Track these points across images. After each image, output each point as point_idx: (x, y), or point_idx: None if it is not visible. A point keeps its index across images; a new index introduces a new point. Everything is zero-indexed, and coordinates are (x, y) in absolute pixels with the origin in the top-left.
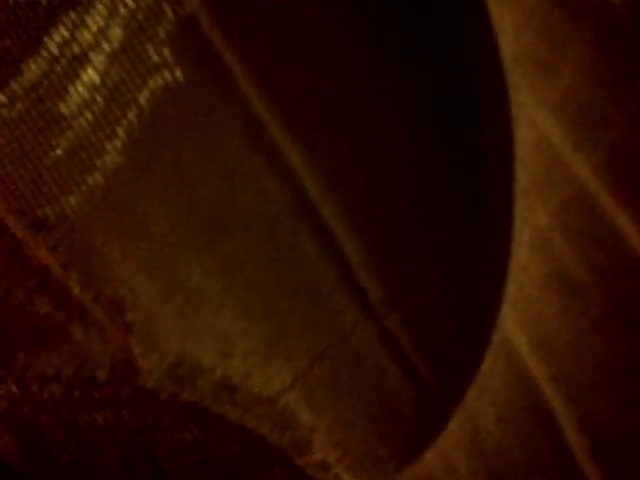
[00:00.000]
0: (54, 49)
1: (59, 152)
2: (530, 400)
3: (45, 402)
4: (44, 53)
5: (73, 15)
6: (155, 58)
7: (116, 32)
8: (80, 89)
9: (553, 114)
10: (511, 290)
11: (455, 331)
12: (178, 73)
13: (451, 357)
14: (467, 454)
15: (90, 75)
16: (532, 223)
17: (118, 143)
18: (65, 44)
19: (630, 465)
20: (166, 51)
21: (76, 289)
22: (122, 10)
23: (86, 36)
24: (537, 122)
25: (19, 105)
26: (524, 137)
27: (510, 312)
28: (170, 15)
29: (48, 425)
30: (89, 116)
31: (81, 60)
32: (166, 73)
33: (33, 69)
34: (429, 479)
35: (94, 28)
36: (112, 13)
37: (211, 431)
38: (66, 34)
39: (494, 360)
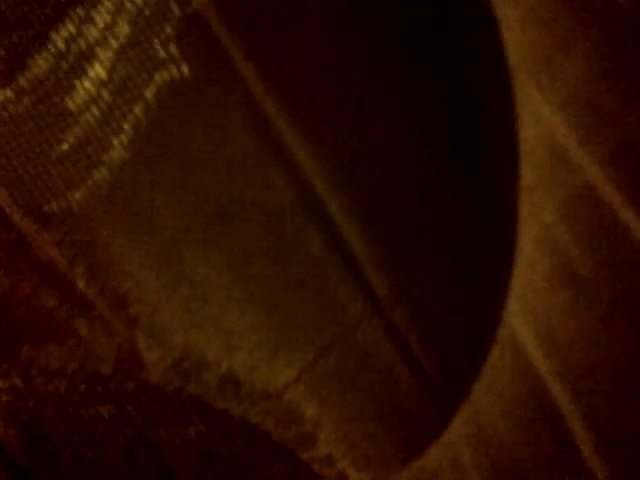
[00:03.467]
0: (61, 44)
1: (65, 147)
2: (536, 395)
3: (49, 396)
4: (51, 48)
5: (80, 10)
6: (162, 54)
7: (123, 28)
8: (87, 84)
9: (559, 110)
10: (517, 285)
11: (461, 326)
12: (185, 69)
13: (457, 352)
14: (473, 449)
15: (97, 70)
16: (538, 219)
17: (124, 138)
18: (72, 39)
19: (636, 461)
20: (173, 47)
21: (81, 283)
22: (129, 6)
23: (93, 32)
24: (542, 118)
25: (26, 100)
26: (529, 133)
27: (516, 307)
28: (177, 11)
29: (52, 419)
30: (95, 111)
31: (88, 55)
32: (173, 69)
33: (40, 64)
34: (435, 473)
35: (101, 24)
36: (119, 9)
37: (215, 426)
38: (73, 29)
39: (500, 355)
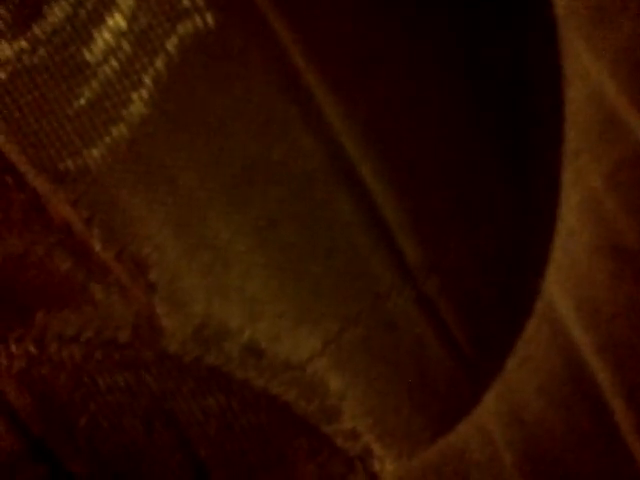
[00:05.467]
0: None
1: (82, 101)
2: (574, 371)
3: (64, 363)
4: None
5: None
6: (185, 2)
7: None
8: (105, 35)
9: (609, 67)
10: (557, 255)
11: (496, 297)
12: (209, 18)
13: (491, 324)
14: (505, 426)
15: (116, 20)
16: (583, 184)
17: (144, 92)
18: None
19: None
20: None
21: (98, 246)
22: None
23: None
24: (592, 76)
25: (41, 51)
26: (577, 92)
27: (556, 278)
28: None
29: (67, 387)
30: (114, 63)
31: (107, 4)
32: (197, 18)
33: (56, 13)
34: (464, 451)
35: None
36: None
37: (235, 397)
38: None
39: (537, 328)
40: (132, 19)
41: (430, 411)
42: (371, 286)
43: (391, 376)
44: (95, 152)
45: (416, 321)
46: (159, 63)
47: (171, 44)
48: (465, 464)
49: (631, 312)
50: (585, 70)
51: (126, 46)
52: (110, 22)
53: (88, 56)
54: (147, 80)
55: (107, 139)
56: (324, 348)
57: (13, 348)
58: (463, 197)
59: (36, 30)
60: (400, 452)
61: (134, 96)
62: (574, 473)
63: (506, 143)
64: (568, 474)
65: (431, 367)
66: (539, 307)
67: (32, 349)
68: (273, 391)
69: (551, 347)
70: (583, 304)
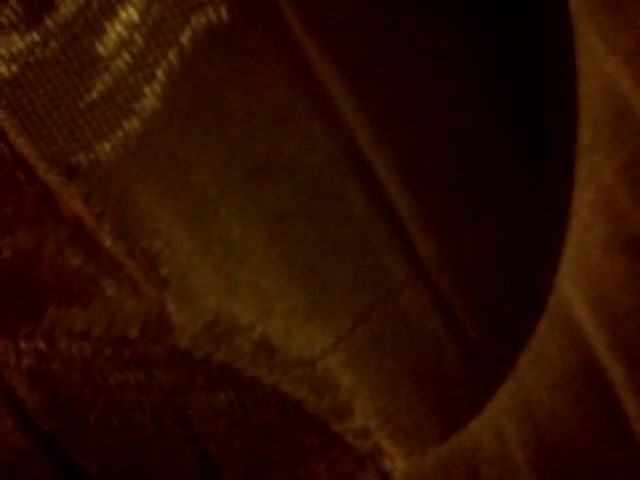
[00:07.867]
0: None
1: (94, 95)
2: (587, 368)
3: (74, 360)
4: None
5: None
6: None
7: None
8: (118, 27)
9: (623, 62)
10: (571, 251)
11: (509, 293)
12: (223, 12)
13: (504, 320)
14: (518, 424)
15: (129, 12)
16: (596, 179)
17: (157, 86)
18: None
19: None
20: None
21: (109, 241)
22: None
23: None
24: (605, 71)
25: (53, 44)
26: (591, 87)
27: (569, 274)
28: None
29: (77, 383)
30: (127, 57)
31: None
32: (210, 11)
33: (68, 5)
34: (476, 449)
35: None
36: None
37: (246, 394)
38: None
39: (550, 325)
40: (145, 12)
41: (442, 408)
42: (383, 280)
43: (403, 372)
44: (107, 146)
45: (428, 316)
46: (172, 56)
47: (184, 37)
48: (477, 461)
49: None
50: (599, 65)
51: (139, 39)
52: (123, 15)
53: (100, 49)
54: (160, 74)
55: (119, 133)
56: (336, 344)
57: (22, 344)
58: (477, 191)
59: (48, 22)
60: (411, 450)
61: (146, 90)
62: (587, 470)
63: (520, 138)
64: (581, 471)
65: (443, 363)
66: (552, 303)
67: (41, 345)
68: (284, 388)
69: (564, 344)
70: (596, 300)
